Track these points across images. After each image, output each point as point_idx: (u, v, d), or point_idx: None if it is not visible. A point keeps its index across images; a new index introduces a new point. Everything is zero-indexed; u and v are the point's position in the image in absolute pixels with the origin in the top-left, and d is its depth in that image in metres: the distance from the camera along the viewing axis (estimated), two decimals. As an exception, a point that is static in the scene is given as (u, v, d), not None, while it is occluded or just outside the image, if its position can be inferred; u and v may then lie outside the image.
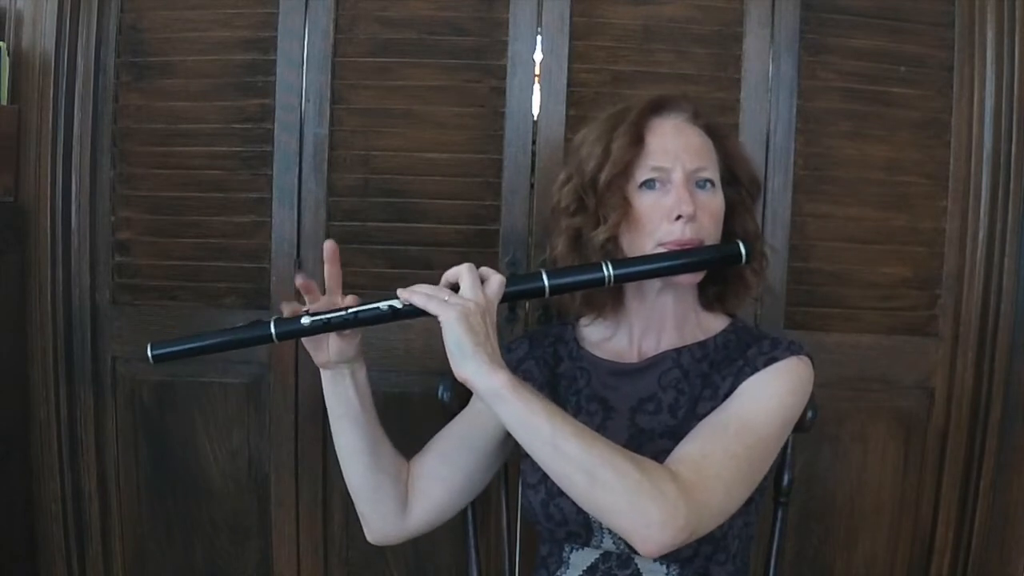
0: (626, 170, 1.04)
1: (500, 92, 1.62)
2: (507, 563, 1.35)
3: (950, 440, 1.66)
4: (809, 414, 1.18)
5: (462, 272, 0.93)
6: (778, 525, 1.25)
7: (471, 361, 0.88)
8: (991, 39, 1.60)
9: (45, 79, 1.64)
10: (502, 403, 0.89)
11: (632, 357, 1.10)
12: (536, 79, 1.61)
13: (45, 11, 1.63)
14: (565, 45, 1.60)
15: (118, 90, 1.67)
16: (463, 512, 1.22)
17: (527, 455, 1.06)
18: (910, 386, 1.66)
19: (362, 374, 1.04)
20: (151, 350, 0.97)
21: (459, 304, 0.90)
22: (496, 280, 0.94)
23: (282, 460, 1.70)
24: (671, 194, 1.03)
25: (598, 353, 1.12)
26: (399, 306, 0.94)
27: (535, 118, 1.61)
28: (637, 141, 1.04)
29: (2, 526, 1.63)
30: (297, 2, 1.62)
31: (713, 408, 1.02)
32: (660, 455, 0.98)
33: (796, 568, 1.69)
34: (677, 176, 1.03)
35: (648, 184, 1.04)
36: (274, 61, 1.63)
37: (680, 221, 1.02)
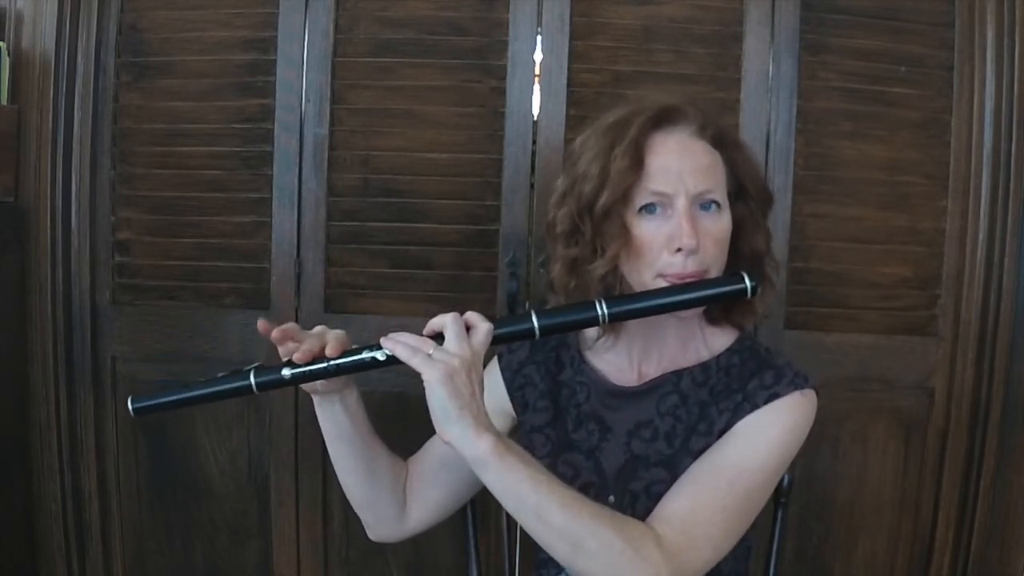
0: (625, 195, 0.96)
1: (500, 92, 1.62)
2: (507, 563, 1.35)
3: (950, 440, 1.66)
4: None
5: (447, 323, 0.88)
6: (778, 525, 1.25)
7: (455, 426, 0.85)
8: (991, 39, 1.60)
9: (45, 79, 1.64)
10: (486, 470, 0.86)
11: (632, 377, 1.05)
12: (536, 79, 1.61)
13: (45, 11, 1.64)
14: (565, 45, 1.60)
15: (118, 90, 1.67)
16: (463, 512, 1.21)
17: None
18: (910, 386, 1.66)
19: (352, 398, 0.99)
20: (131, 403, 0.94)
21: (443, 362, 0.85)
22: (483, 329, 0.89)
23: (282, 460, 1.70)
24: (672, 222, 0.95)
25: (599, 365, 1.08)
26: (381, 357, 0.89)
27: (535, 118, 1.61)
28: (637, 163, 0.96)
29: (2, 526, 1.63)
30: (297, 2, 1.62)
31: (707, 445, 0.97)
32: (654, 485, 0.97)
33: (796, 568, 1.69)
34: (680, 203, 0.95)
35: (648, 208, 0.96)
36: (274, 61, 1.63)
37: (681, 253, 0.94)
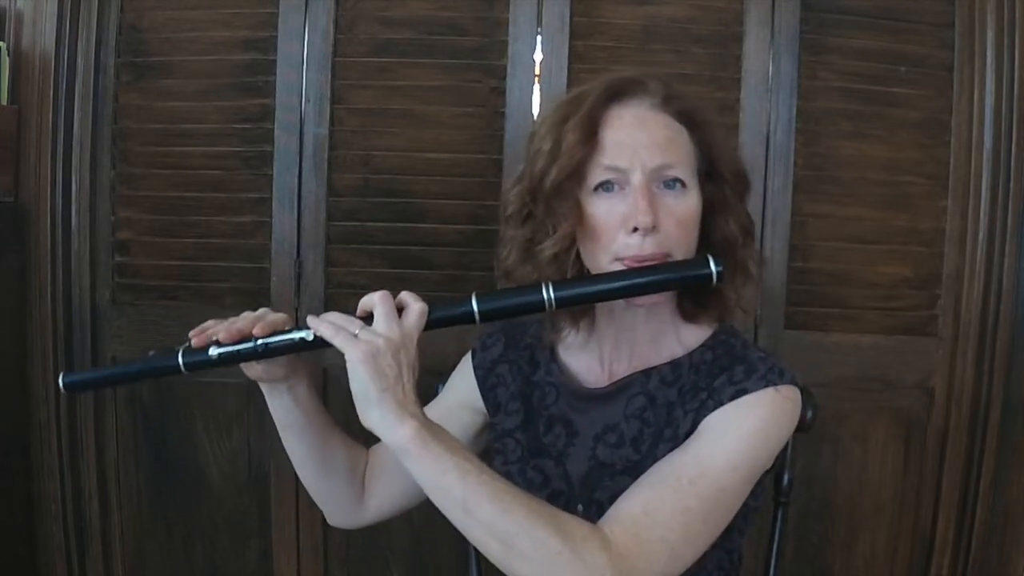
0: (577, 171, 0.90)
1: (500, 92, 1.62)
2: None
3: (950, 440, 1.66)
4: (809, 414, 1.17)
5: (375, 302, 0.83)
6: (778, 525, 1.25)
7: (375, 409, 0.78)
8: (991, 39, 1.60)
9: (45, 79, 1.64)
10: (409, 459, 0.79)
11: (602, 377, 0.99)
12: (536, 79, 1.61)
13: (45, 11, 1.64)
14: (565, 45, 1.60)
15: (118, 90, 1.67)
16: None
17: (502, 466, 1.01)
18: (910, 386, 1.66)
19: (302, 388, 0.96)
20: (62, 379, 0.91)
21: (366, 342, 0.79)
22: (416, 309, 0.84)
23: (282, 460, 1.66)
24: (628, 200, 0.88)
25: (572, 364, 1.02)
26: (309, 338, 0.85)
27: (535, 118, 1.61)
28: (589, 136, 0.89)
29: (2, 526, 1.63)
30: (297, 2, 1.62)
31: (672, 451, 0.89)
32: (619, 495, 0.88)
33: (796, 568, 1.69)
34: (636, 179, 0.88)
35: (605, 186, 0.90)
36: (274, 61, 1.63)
37: (638, 233, 0.88)
